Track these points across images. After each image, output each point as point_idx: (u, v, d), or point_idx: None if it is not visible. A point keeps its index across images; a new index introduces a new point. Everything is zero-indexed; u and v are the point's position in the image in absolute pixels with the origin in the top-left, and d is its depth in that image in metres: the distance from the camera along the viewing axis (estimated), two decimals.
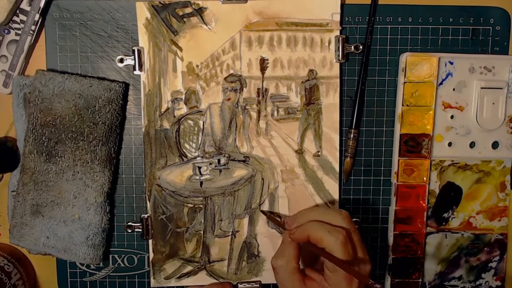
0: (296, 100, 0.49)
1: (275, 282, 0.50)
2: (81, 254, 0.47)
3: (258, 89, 0.49)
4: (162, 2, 0.47)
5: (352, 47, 0.48)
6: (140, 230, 0.49)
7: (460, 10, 0.49)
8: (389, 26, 0.49)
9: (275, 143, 0.49)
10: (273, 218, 0.49)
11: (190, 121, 0.49)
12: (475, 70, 0.49)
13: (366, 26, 0.48)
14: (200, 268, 0.50)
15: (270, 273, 0.50)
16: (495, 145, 0.50)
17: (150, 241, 0.49)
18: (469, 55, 0.49)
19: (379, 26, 0.49)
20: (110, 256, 0.50)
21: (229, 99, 0.49)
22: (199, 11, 0.47)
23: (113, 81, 0.48)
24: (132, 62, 0.48)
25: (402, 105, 0.48)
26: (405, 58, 0.48)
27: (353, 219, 0.50)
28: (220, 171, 0.49)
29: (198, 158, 0.49)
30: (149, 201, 0.49)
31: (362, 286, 0.40)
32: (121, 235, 0.50)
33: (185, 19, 0.48)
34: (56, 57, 0.48)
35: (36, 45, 0.48)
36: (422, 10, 0.49)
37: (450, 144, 0.50)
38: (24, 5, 0.46)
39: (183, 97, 0.48)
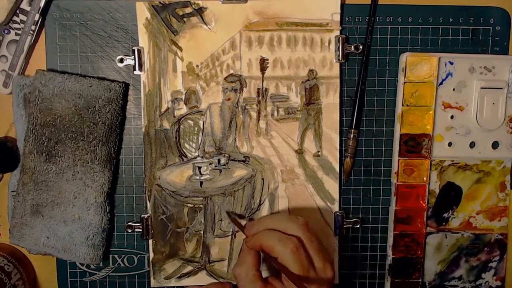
0: (296, 100, 0.49)
1: None
2: (81, 254, 0.47)
3: (258, 89, 0.49)
4: (162, 2, 0.47)
5: (352, 47, 0.48)
6: (140, 230, 0.49)
7: (460, 10, 0.49)
8: (389, 26, 0.49)
9: (275, 143, 0.49)
10: (236, 221, 0.48)
11: (190, 121, 0.49)
12: (475, 70, 0.49)
13: (366, 26, 0.48)
14: (200, 268, 0.50)
15: None
16: (495, 145, 0.50)
17: (150, 241, 0.49)
18: (469, 55, 0.49)
19: (379, 26, 0.49)
20: (110, 256, 0.50)
21: (229, 99, 0.49)
22: (199, 11, 0.47)
23: (113, 81, 0.48)
24: (132, 62, 0.48)
25: (402, 105, 0.48)
26: (405, 58, 0.48)
27: (353, 219, 0.50)
28: (220, 171, 0.49)
29: (198, 158, 0.49)
30: (149, 201, 0.49)
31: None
32: (121, 235, 0.50)
33: (185, 19, 0.48)
34: (56, 57, 0.48)
35: (36, 45, 0.48)
36: (422, 10, 0.49)
37: (450, 144, 0.50)
38: (24, 5, 0.46)
39: (183, 97, 0.48)
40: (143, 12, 0.47)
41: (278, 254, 0.40)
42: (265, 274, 0.47)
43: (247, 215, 0.49)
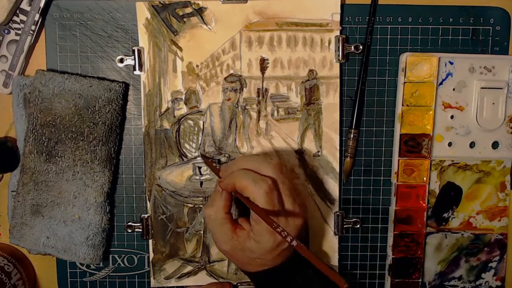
0: (296, 100, 0.49)
1: None
2: (81, 254, 0.47)
3: (258, 89, 0.49)
4: (162, 2, 0.47)
5: (352, 47, 0.48)
6: (140, 230, 0.49)
7: (460, 10, 0.49)
8: (389, 26, 0.49)
9: (275, 143, 0.49)
10: (210, 164, 0.47)
11: (190, 121, 0.49)
12: (475, 70, 0.49)
13: (366, 26, 0.48)
14: (200, 268, 0.50)
15: None
16: (495, 145, 0.50)
17: (150, 241, 0.49)
18: (469, 55, 0.49)
19: (379, 26, 0.49)
20: (110, 256, 0.50)
21: (229, 99, 0.49)
22: (199, 11, 0.47)
23: (113, 81, 0.48)
24: (132, 62, 0.48)
25: (402, 105, 0.48)
26: (405, 58, 0.48)
27: (353, 219, 0.50)
28: None
29: (198, 158, 0.49)
30: (149, 201, 0.49)
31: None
32: (121, 235, 0.50)
33: (185, 19, 0.48)
34: (56, 57, 0.48)
35: (36, 45, 0.48)
36: (422, 10, 0.49)
37: (450, 144, 0.50)
38: (24, 5, 0.46)
39: (183, 97, 0.48)
40: (143, 12, 0.47)
41: (251, 194, 0.39)
42: (234, 216, 0.46)
43: (224, 157, 0.49)
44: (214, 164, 0.47)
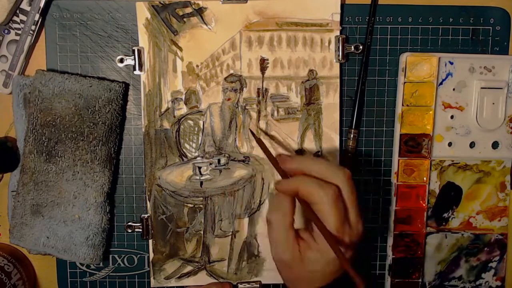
0: (296, 100, 0.49)
1: (275, 282, 0.50)
2: (81, 254, 0.47)
3: (258, 89, 0.49)
4: (162, 2, 0.47)
5: (352, 47, 0.48)
6: (140, 230, 0.49)
7: (460, 10, 0.49)
8: (389, 26, 0.49)
9: (275, 143, 0.49)
10: (265, 147, 0.44)
11: (190, 121, 0.49)
12: (475, 70, 0.49)
13: (366, 26, 0.48)
14: (200, 268, 0.50)
15: (270, 273, 0.50)
16: (495, 145, 0.50)
17: (150, 241, 0.49)
18: (469, 55, 0.49)
19: (379, 26, 0.49)
20: (110, 256, 0.50)
21: (229, 99, 0.49)
22: (199, 11, 0.47)
23: (113, 81, 0.48)
24: (132, 62, 0.48)
25: (402, 105, 0.48)
26: (405, 58, 0.48)
27: None
28: (220, 171, 0.49)
29: (198, 158, 0.49)
30: (149, 201, 0.49)
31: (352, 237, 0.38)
32: (121, 235, 0.50)
33: (185, 19, 0.48)
34: (56, 57, 0.48)
35: (36, 45, 0.48)
36: (422, 10, 0.49)
37: (450, 144, 0.50)
38: (24, 5, 0.46)
39: (183, 97, 0.48)
40: (143, 12, 0.47)
41: (317, 200, 0.37)
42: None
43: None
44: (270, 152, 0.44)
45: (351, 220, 0.39)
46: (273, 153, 0.45)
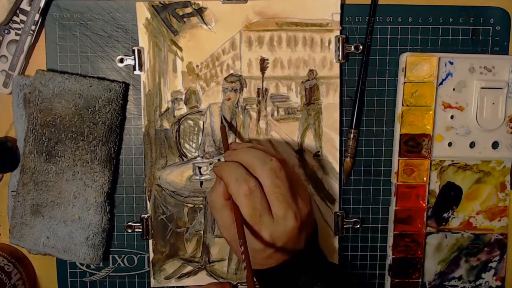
0: (296, 100, 0.49)
1: None
2: (81, 254, 0.47)
3: (258, 89, 0.49)
4: (162, 2, 0.47)
5: (352, 47, 0.48)
6: (140, 230, 0.49)
7: (460, 10, 0.49)
8: (389, 26, 0.49)
9: (275, 143, 0.49)
10: (225, 134, 0.45)
11: (190, 121, 0.49)
12: (475, 70, 0.49)
13: (366, 26, 0.48)
14: (200, 268, 0.50)
15: None
16: (495, 145, 0.50)
17: (150, 241, 0.49)
18: (469, 55, 0.49)
19: (379, 26, 0.49)
20: (110, 256, 0.50)
21: (229, 99, 0.49)
22: (199, 11, 0.47)
23: (113, 81, 0.48)
24: (132, 62, 0.48)
25: (402, 105, 0.48)
26: (405, 58, 0.48)
27: (353, 219, 0.50)
28: None
29: (198, 158, 0.49)
30: (149, 201, 0.49)
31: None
32: (121, 235, 0.50)
33: (185, 19, 0.48)
34: (56, 57, 0.48)
35: (36, 45, 0.48)
36: (422, 10, 0.49)
37: (450, 144, 0.50)
38: (24, 5, 0.46)
39: (183, 97, 0.48)
40: (143, 12, 0.47)
41: (231, 193, 0.38)
42: None
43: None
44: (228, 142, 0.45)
45: (275, 213, 0.38)
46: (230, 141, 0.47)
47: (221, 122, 0.48)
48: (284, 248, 0.39)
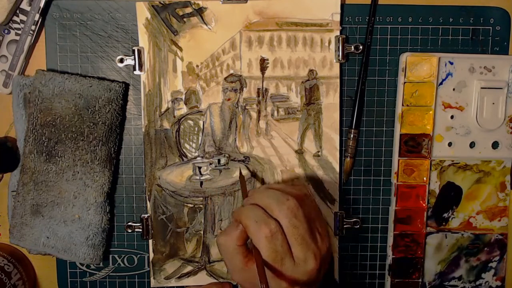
0: (296, 100, 0.49)
1: None
2: (81, 254, 0.47)
3: (258, 89, 0.49)
4: (162, 2, 0.47)
5: (352, 47, 0.48)
6: (140, 230, 0.49)
7: (460, 10, 0.49)
8: (389, 26, 0.49)
9: (275, 143, 0.49)
10: (244, 183, 0.46)
11: (190, 121, 0.49)
12: (475, 70, 0.49)
13: (366, 26, 0.48)
14: (200, 268, 0.50)
15: None
16: (495, 145, 0.50)
17: (150, 241, 0.49)
18: (469, 55, 0.49)
19: (379, 26, 0.49)
20: (110, 256, 0.50)
21: (229, 99, 0.49)
22: (199, 11, 0.47)
23: (113, 81, 0.48)
24: (132, 62, 0.48)
25: (402, 105, 0.48)
26: (405, 58, 0.48)
27: (353, 219, 0.50)
28: (220, 171, 0.49)
29: (198, 158, 0.49)
30: (149, 201, 0.49)
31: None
32: (121, 235, 0.50)
33: (185, 19, 0.48)
34: (56, 57, 0.48)
35: (36, 45, 0.48)
36: (422, 10, 0.49)
37: (450, 144, 0.50)
38: (24, 5, 0.46)
39: (183, 97, 0.48)
40: (143, 12, 0.47)
41: (252, 236, 0.37)
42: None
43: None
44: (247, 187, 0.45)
45: (296, 256, 0.38)
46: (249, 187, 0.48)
47: (240, 173, 0.48)
48: (303, 287, 0.38)
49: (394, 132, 0.50)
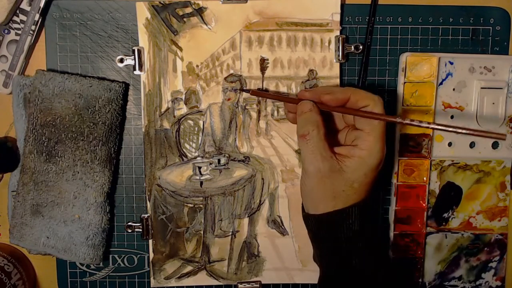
0: None
1: (275, 282, 0.50)
2: (81, 254, 0.47)
3: (258, 89, 0.49)
4: (162, 2, 0.47)
5: (352, 47, 0.48)
6: (140, 230, 0.49)
7: (460, 10, 0.49)
8: (389, 26, 0.49)
9: (275, 143, 0.49)
10: (275, 95, 0.47)
11: (190, 121, 0.49)
12: (475, 70, 0.49)
13: (366, 26, 0.48)
14: (200, 268, 0.50)
15: (270, 273, 0.50)
16: (495, 145, 0.50)
17: (150, 241, 0.49)
18: (469, 55, 0.49)
19: (379, 26, 0.49)
20: (110, 256, 0.50)
21: (229, 99, 0.49)
22: (199, 11, 0.47)
23: (113, 81, 0.48)
24: (132, 62, 0.48)
25: (402, 105, 0.48)
26: (405, 58, 0.48)
27: None
28: (220, 171, 0.49)
29: (198, 158, 0.49)
30: (149, 201, 0.49)
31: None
32: (121, 235, 0.50)
33: (185, 19, 0.48)
34: (56, 57, 0.48)
35: (36, 45, 0.48)
36: (422, 10, 0.49)
37: (450, 144, 0.50)
38: (24, 5, 0.46)
39: (183, 97, 0.48)
40: (143, 12, 0.47)
41: (369, 102, 0.40)
42: None
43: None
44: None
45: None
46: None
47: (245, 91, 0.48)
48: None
49: (394, 132, 0.50)
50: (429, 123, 0.38)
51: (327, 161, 0.40)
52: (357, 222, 0.41)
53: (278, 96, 0.47)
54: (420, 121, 0.38)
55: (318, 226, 0.42)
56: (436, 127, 0.37)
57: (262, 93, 0.47)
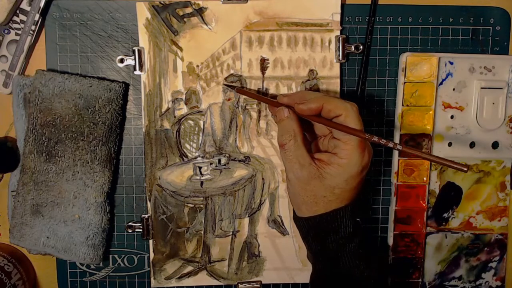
0: None
1: (275, 282, 0.50)
2: (81, 254, 0.47)
3: (259, 89, 0.49)
4: (162, 2, 0.47)
5: (352, 47, 0.48)
6: (141, 230, 0.49)
7: (460, 10, 0.49)
8: (389, 26, 0.49)
9: (275, 143, 0.49)
10: (257, 95, 0.47)
11: (190, 121, 0.49)
12: (475, 70, 0.49)
13: (366, 26, 0.48)
14: (200, 268, 0.50)
15: (271, 273, 0.50)
16: (495, 145, 0.50)
17: (151, 241, 0.49)
18: (469, 55, 0.49)
19: (379, 26, 0.49)
20: (110, 256, 0.50)
21: (229, 99, 0.49)
22: (200, 11, 0.47)
23: (113, 81, 0.47)
24: (132, 62, 0.48)
25: (402, 105, 0.48)
26: (405, 58, 0.48)
27: None
28: (221, 171, 0.49)
29: (198, 158, 0.49)
30: (150, 201, 0.49)
31: (370, 154, 0.41)
32: (121, 235, 0.50)
33: (185, 19, 0.48)
34: (56, 57, 0.48)
35: (36, 45, 0.48)
36: (422, 10, 0.49)
37: (450, 144, 0.50)
38: (24, 5, 0.46)
39: (183, 97, 0.48)
40: (143, 12, 0.47)
41: (342, 112, 0.39)
42: None
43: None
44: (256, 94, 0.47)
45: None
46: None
47: (231, 87, 0.48)
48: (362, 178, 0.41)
49: (394, 132, 0.50)
50: (395, 143, 0.38)
51: (305, 169, 0.41)
52: (342, 226, 0.41)
53: (260, 97, 0.47)
54: (388, 140, 0.38)
55: (305, 228, 0.43)
56: (400, 148, 0.37)
57: (246, 91, 0.48)
